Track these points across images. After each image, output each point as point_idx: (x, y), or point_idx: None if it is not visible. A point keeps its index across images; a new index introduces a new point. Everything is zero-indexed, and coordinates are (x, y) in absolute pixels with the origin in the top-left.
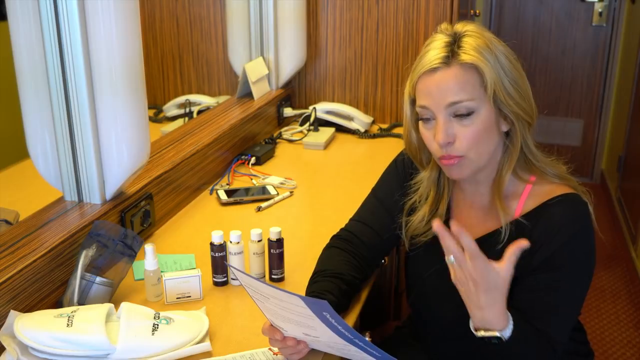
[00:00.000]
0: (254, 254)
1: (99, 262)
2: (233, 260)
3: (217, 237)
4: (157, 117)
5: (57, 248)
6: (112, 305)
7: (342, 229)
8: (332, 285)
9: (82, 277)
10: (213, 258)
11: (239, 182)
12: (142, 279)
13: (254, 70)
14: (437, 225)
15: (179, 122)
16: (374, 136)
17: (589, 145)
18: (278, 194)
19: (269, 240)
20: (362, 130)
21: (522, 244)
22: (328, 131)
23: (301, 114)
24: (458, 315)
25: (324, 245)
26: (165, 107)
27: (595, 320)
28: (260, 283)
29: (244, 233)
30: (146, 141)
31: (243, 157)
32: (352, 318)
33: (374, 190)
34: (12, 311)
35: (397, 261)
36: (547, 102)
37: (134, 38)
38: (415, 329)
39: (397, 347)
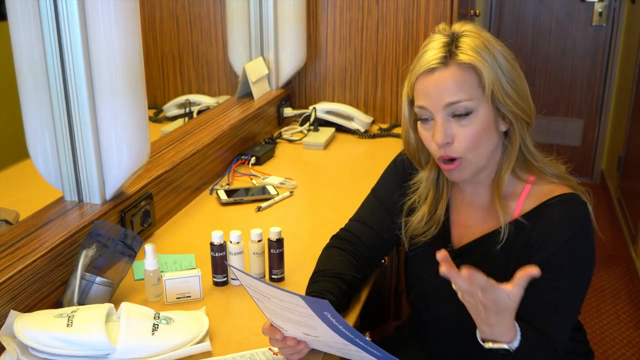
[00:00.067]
0: (254, 254)
1: (99, 262)
2: (233, 260)
3: (217, 237)
4: (157, 117)
5: (57, 248)
6: (112, 305)
7: (342, 229)
8: (332, 285)
9: (82, 277)
10: (213, 258)
11: (239, 182)
12: (142, 279)
13: (254, 70)
14: (443, 266)
15: (179, 122)
16: (374, 136)
17: (589, 145)
18: (278, 194)
19: (269, 240)
20: (362, 130)
21: (532, 271)
22: (328, 131)
23: (301, 114)
24: (458, 315)
25: (324, 245)
26: (165, 107)
27: (595, 320)
28: (260, 283)
29: (244, 233)
30: (146, 141)
31: (243, 157)
32: (352, 318)
33: (373, 190)
34: (12, 311)
35: (397, 261)
36: (547, 102)
37: (134, 38)
38: (415, 328)
39: (397, 347)
